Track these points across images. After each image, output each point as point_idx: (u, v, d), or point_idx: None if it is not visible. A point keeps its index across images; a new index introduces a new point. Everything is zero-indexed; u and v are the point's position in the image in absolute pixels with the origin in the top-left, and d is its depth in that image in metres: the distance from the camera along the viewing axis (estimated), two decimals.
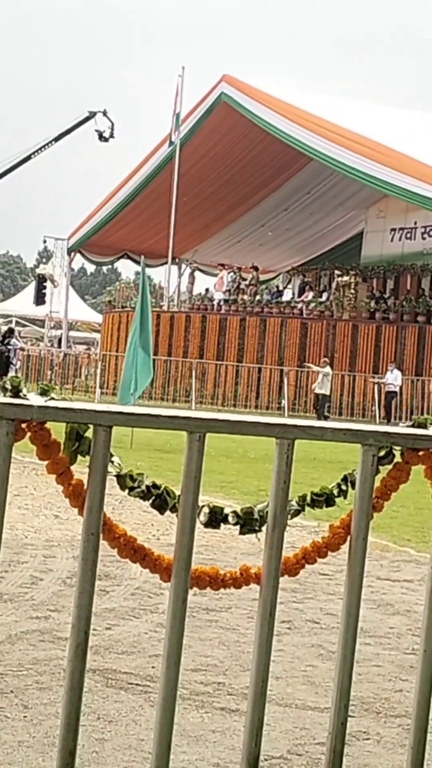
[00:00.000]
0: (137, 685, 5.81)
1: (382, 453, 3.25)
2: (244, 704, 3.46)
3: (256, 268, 43.67)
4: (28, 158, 48.64)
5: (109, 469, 2.95)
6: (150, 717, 5.12)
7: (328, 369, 34.02)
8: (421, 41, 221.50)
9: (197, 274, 49.07)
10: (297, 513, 3.37)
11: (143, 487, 3.16)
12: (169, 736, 2.98)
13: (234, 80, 41.15)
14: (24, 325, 63.62)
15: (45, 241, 55.65)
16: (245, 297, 41.71)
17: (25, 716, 5.19)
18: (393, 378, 34.45)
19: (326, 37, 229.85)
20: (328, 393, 33.93)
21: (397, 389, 34.42)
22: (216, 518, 3.30)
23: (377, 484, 3.27)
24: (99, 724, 5.16)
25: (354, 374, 35.95)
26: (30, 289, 60.27)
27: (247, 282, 42.34)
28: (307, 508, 3.39)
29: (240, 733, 3.60)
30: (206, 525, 3.29)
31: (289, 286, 46.10)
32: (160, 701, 2.99)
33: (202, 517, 3.26)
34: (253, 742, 3.07)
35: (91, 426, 2.90)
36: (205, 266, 50.63)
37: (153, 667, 6.05)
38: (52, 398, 2.85)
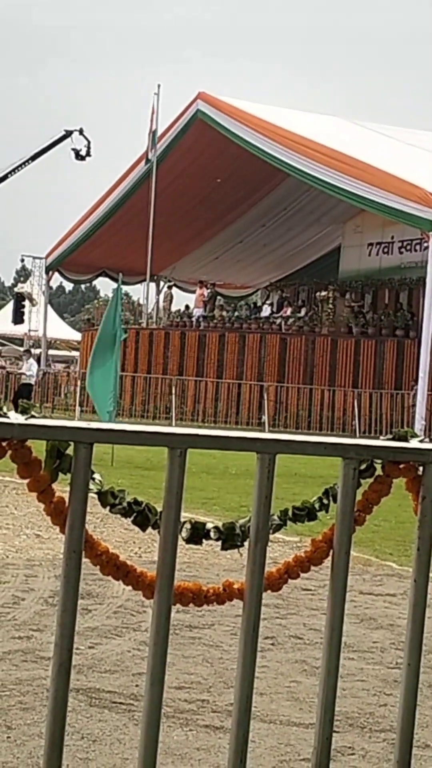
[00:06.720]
0: (121, 703, 5.79)
1: (363, 466, 3.24)
2: (229, 721, 3.44)
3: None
4: (4, 178, 48.57)
5: (90, 486, 2.94)
6: (134, 735, 5.09)
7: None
8: (400, 56, 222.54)
9: (176, 291, 49.10)
10: (279, 527, 3.37)
11: (125, 504, 3.15)
12: (153, 755, 2.96)
13: (210, 97, 41.22)
14: (2, 344, 63.48)
15: (23, 260, 55.55)
16: (224, 313, 41.75)
17: (8, 737, 5.16)
18: (26, 368, 34.21)
19: (304, 52, 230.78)
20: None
21: (32, 380, 34.10)
22: (198, 534, 3.29)
23: (359, 497, 3.27)
24: (83, 744, 5.13)
25: (333, 389, 35.97)
26: (8, 308, 60.04)
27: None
28: (289, 523, 3.38)
29: (225, 751, 3.58)
30: (188, 541, 3.28)
31: (268, 301, 46.15)
32: (144, 719, 2.97)
33: (184, 534, 3.25)
34: (238, 759, 3.05)
35: (71, 443, 2.89)
36: (183, 283, 50.66)
37: (137, 686, 6.03)
38: (33, 416, 2.84)
